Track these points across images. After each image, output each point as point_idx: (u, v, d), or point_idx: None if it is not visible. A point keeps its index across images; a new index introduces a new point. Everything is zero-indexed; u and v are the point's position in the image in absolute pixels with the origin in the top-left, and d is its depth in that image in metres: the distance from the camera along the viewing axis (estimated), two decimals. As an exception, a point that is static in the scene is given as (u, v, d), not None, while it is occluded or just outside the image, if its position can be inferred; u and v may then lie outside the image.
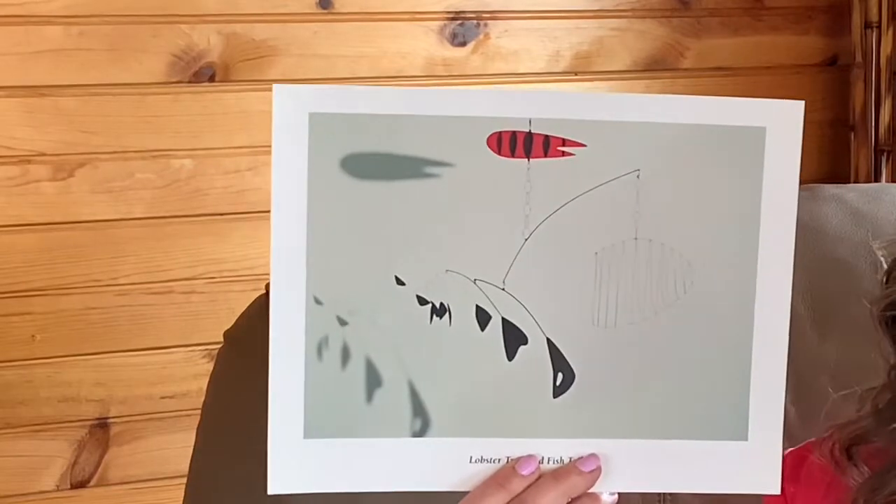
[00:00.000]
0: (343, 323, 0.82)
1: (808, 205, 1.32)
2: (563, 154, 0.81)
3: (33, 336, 1.75)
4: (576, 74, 1.96)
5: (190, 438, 1.25)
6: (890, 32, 2.04)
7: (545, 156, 0.81)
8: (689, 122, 0.83)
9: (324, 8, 1.83)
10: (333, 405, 0.83)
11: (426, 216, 0.82)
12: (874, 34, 2.04)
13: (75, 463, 1.78)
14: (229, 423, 1.19)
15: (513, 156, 0.81)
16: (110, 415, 1.79)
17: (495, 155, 0.81)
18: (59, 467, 1.78)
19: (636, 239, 0.83)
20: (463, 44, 1.90)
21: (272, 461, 0.83)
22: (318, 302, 0.82)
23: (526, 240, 0.82)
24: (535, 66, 1.94)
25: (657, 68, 2.00)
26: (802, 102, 0.82)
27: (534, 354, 0.83)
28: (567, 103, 0.83)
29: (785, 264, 0.84)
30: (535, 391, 0.83)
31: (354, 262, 0.82)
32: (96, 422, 1.79)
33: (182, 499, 1.27)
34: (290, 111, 0.81)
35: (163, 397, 1.80)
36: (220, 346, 1.25)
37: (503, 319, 0.83)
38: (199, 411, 1.27)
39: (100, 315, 1.78)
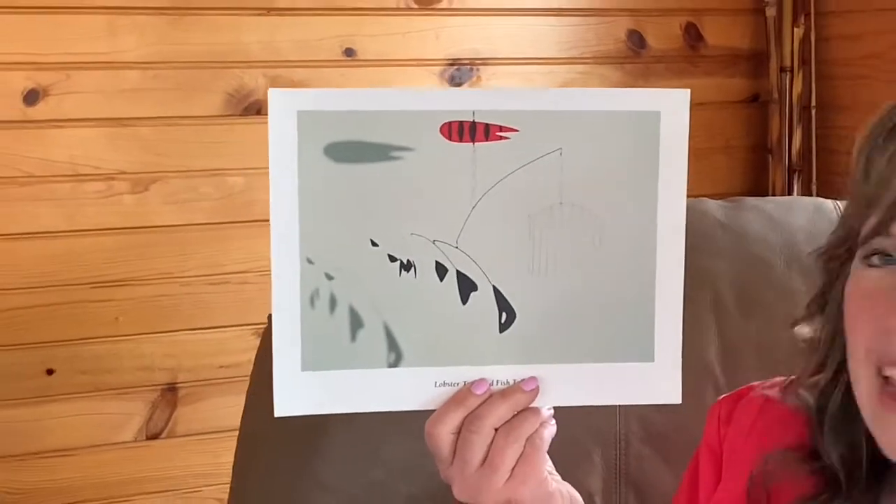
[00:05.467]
0: (330, 278, 0.82)
1: (734, 213, 1.32)
2: (501, 138, 0.81)
3: (117, 318, 1.75)
4: (549, 109, 1.96)
5: (241, 400, 1.25)
6: (800, 75, 2.04)
7: (486, 140, 0.81)
8: (599, 109, 0.82)
9: (348, 56, 1.83)
10: (324, 344, 0.83)
11: (393, 191, 0.81)
12: (787, 77, 2.04)
13: (150, 419, 1.78)
14: (270, 388, 1.19)
15: (461, 140, 0.81)
16: (178, 381, 1.79)
17: (446, 140, 0.81)
18: (137, 423, 1.78)
19: (561, 204, 0.82)
20: (459, 84, 1.90)
21: (277, 390, 0.83)
22: (309, 262, 0.82)
23: (473, 207, 0.82)
24: (517, 102, 1.94)
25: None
26: (688, 91, 0.82)
27: (483, 299, 0.83)
28: (502, 97, 0.82)
29: (678, 217, 0.83)
30: (485, 328, 0.83)
31: (337, 230, 0.82)
32: (167, 386, 1.79)
33: (235, 448, 1.28)
34: (282, 110, 0.80)
35: (220, 367, 1.80)
36: (265, 326, 1.25)
37: (457, 272, 0.82)
38: (249, 378, 1.27)
39: (169, 301, 1.78)
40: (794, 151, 2.05)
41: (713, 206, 1.32)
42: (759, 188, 2.09)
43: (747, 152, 2.10)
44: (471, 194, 0.82)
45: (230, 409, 1.58)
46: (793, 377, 0.85)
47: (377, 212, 0.82)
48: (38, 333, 1.71)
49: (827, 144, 2.04)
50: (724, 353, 1.22)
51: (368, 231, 0.82)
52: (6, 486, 1.71)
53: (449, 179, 0.81)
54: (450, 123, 0.81)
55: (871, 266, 0.75)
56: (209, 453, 1.79)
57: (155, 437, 1.79)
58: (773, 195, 2.03)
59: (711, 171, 2.04)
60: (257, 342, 1.27)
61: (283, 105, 0.80)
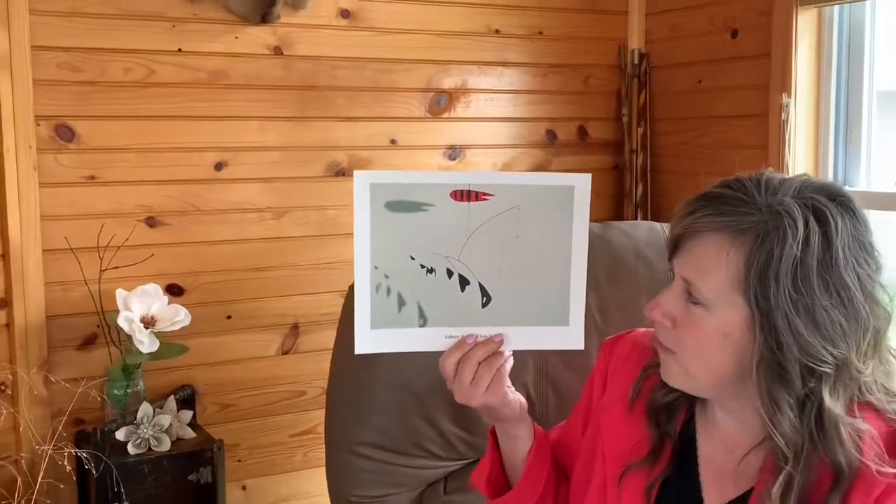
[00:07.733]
0: (387, 277, 0.80)
1: (604, 230, 1.33)
2: (484, 199, 0.80)
3: (265, 288, 1.73)
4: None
5: (333, 334, 1.25)
6: (641, 154, 2.02)
7: (476, 200, 0.80)
8: (538, 184, 0.82)
9: (392, 144, 1.82)
10: (383, 313, 0.81)
11: (423, 228, 0.80)
12: (634, 155, 2.02)
13: (283, 343, 1.76)
14: (351, 331, 1.20)
15: (462, 201, 0.80)
16: (299, 322, 1.76)
17: (454, 201, 0.80)
18: (276, 345, 1.76)
19: (517, 237, 0.81)
20: (454, 159, 1.89)
21: (356, 339, 0.82)
22: (375, 268, 0.80)
23: (468, 238, 0.80)
24: (485, 168, 1.91)
25: (539, 171, 1.99)
26: (590, 174, 0.82)
27: (473, 289, 0.81)
28: (485, 178, 0.81)
29: (583, 245, 0.82)
30: (474, 306, 0.81)
31: (392, 249, 0.80)
32: (292, 325, 1.77)
33: (330, 360, 1.30)
34: (361, 182, 0.79)
35: (322, 314, 1.77)
36: (347, 293, 1.23)
37: (459, 274, 0.81)
38: (338, 320, 1.27)
39: (294, 279, 1.75)
40: (638, 196, 2.03)
41: (593, 227, 1.33)
42: (619, 217, 2.06)
43: (612, 197, 2.07)
44: (466, 231, 0.80)
45: (328, 338, 1.57)
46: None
47: (414, 240, 0.80)
48: (222, 296, 1.69)
49: (657, 191, 2.02)
50: (601, 309, 1.23)
51: (409, 251, 0.80)
52: (203, 380, 1.69)
53: (455, 222, 0.80)
54: (456, 191, 0.80)
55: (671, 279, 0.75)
56: (317, 362, 1.75)
57: (287, 353, 1.75)
58: (627, 220, 2.05)
59: (593, 207, 2.03)
60: (342, 301, 1.29)
61: (362, 180, 0.80)
